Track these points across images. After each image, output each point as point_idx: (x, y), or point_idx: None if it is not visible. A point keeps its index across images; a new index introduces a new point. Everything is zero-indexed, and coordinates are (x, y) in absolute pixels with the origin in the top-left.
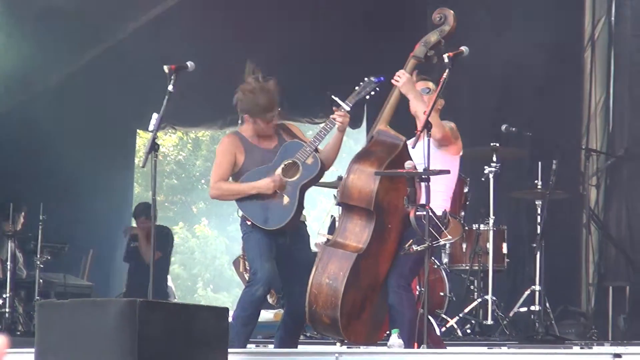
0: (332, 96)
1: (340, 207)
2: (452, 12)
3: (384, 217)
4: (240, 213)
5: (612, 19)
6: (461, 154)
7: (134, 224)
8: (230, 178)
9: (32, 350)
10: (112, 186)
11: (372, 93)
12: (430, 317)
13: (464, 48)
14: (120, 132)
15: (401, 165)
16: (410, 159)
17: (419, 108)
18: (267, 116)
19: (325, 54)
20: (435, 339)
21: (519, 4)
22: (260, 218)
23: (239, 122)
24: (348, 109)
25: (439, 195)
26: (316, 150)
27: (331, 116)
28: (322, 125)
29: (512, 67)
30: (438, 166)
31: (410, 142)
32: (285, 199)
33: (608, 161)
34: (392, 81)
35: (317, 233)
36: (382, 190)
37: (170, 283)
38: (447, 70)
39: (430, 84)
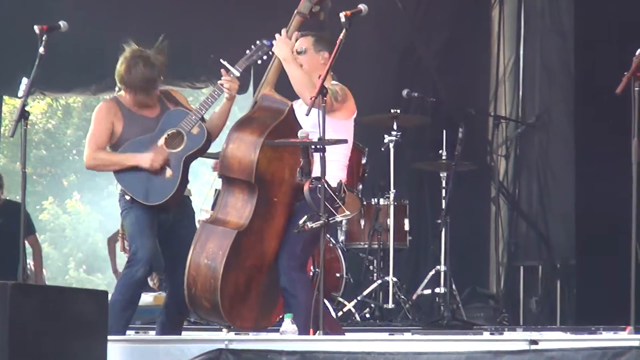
0: (220, 60)
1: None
2: None
3: (268, 190)
4: (119, 187)
5: None
6: (354, 116)
7: None
8: (108, 147)
9: None
10: None
11: (265, 57)
12: (326, 301)
13: (362, 6)
14: None
15: (288, 132)
16: (299, 125)
17: (292, 73)
18: (149, 91)
19: (212, 10)
20: (332, 324)
21: None
22: (140, 192)
23: (117, 88)
24: (237, 74)
25: (334, 165)
26: (202, 119)
27: (218, 82)
28: (208, 92)
29: (413, 26)
30: (329, 133)
31: (296, 106)
32: (168, 172)
33: (518, 129)
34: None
35: (199, 209)
36: (264, 160)
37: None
38: (344, 31)
39: (308, 41)
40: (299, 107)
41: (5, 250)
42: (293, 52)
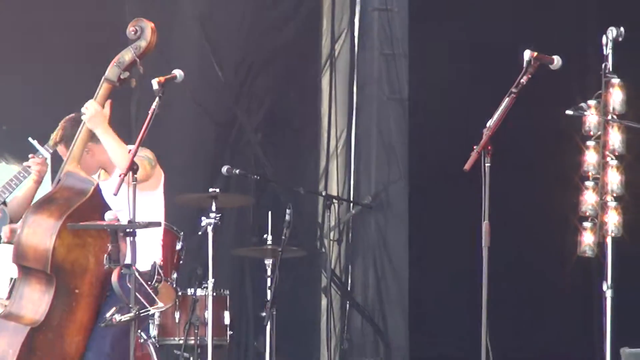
0: (29, 138)
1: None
2: (151, 24)
3: (68, 280)
4: None
5: (356, 33)
6: (162, 182)
7: None
8: None
9: None
10: None
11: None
12: None
13: (177, 72)
14: None
15: (92, 214)
16: (106, 205)
17: (109, 146)
18: None
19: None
20: None
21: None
22: None
23: None
24: (47, 155)
25: (147, 247)
26: (4, 203)
27: (25, 163)
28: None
29: (235, 92)
30: (142, 211)
31: (103, 184)
32: None
33: (352, 210)
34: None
35: None
36: (61, 247)
37: None
38: (156, 99)
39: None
40: (106, 185)
41: None
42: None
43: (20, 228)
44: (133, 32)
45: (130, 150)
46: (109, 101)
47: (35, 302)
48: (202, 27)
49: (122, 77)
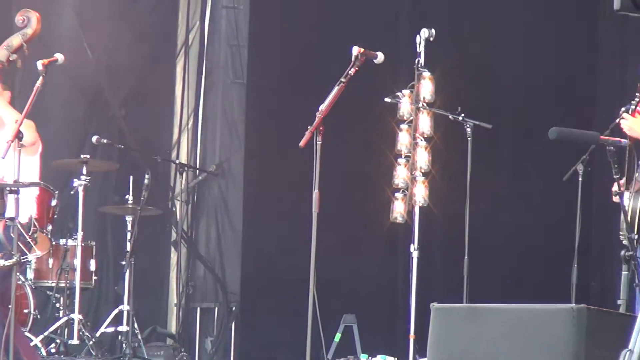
0: None
1: None
2: (37, 14)
3: None
4: None
5: (206, 26)
6: (40, 149)
7: None
8: None
9: None
10: None
11: None
12: (28, 334)
13: (58, 55)
14: None
15: None
16: None
17: (5, 116)
18: None
19: None
20: (34, 355)
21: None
22: None
23: None
24: None
25: (26, 203)
26: None
27: None
28: None
29: (102, 72)
30: (22, 172)
31: None
32: None
33: (199, 177)
34: None
35: None
36: None
37: None
38: (40, 79)
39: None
40: None
41: None
42: None
43: None
44: (21, 21)
45: (15, 120)
46: None
47: None
48: (76, 14)
49: (10, 58)
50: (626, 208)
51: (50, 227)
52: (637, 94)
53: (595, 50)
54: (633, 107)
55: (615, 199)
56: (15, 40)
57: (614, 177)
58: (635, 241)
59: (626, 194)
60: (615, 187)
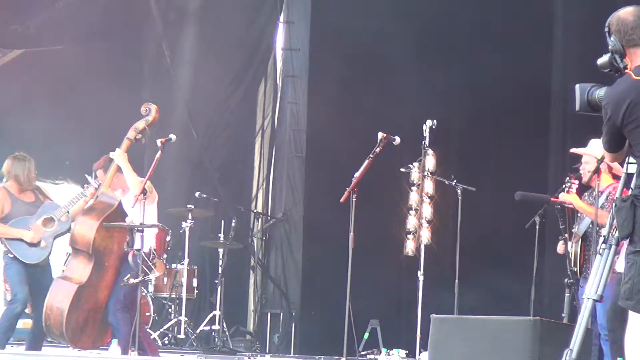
0: (87, 175)
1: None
2: (155, 106)
3: (101, 257)
4: (3, 247)
5: (276, 116)
6: (156, 200)
7: None
8: None
9: None
10: None
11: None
12: (149, 330)
13: (172, 135)
14: None
15: (117, 217)
16: (125, 213)
17: (129, 177)
18: (28, 185)
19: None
20: (152, 346)
21: None
22: (22, 254)
23: (4, 179)
24: (96, 186)
25: (147, 238)
26: (68, 211)
27: (82, 191)
28: (77, 193)
29: (203, 148)
30: (145, 217)
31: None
32: (43, 243)
33: (270, 221)
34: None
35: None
36: (99, 237)
37: None
38: (159, 152)
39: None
40: (125, 200)
41: None
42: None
43: (74, 223)
44: (145, 110)
45: (141, 180)
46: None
47: (81, 269)
48: (186, 106)
49: (137, 137)
50: (569, 250)
51: (165, 255)
52: (567, 177)
53: None
54: (566, 188)
55: (560, 250)
56: (140, 124)
57: (560, 226)
58: (575, 272)
59: (569, 243)
60: (560, 243)
